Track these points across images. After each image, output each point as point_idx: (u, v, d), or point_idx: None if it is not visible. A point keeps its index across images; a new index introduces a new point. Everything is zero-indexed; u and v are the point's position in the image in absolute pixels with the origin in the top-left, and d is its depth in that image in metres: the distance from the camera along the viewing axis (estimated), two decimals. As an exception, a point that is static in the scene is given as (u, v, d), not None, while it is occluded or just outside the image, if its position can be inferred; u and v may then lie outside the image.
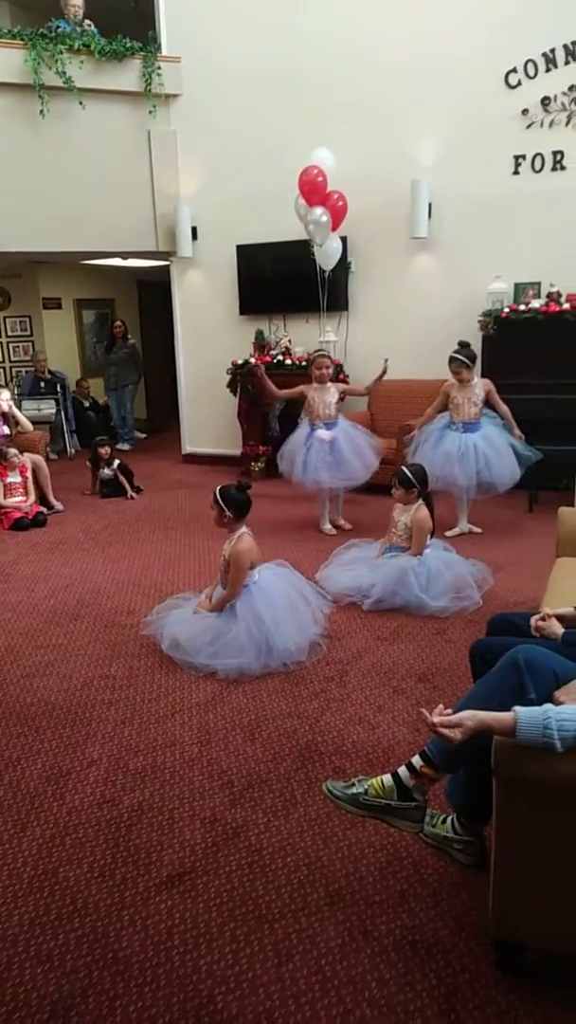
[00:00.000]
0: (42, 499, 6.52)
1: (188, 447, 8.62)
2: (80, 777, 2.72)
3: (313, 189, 6.43)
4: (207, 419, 8.32)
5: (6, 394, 6.87)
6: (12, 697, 3.33)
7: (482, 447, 5.14)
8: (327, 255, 6.69)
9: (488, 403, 5.30)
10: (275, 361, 7.34)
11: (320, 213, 6.42)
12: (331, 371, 5.51)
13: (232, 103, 7.41)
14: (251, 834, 2.38)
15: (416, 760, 2.01)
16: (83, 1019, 1.78)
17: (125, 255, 8.56)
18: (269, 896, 2.13)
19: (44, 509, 6.39)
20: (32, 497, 6.37)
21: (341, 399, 5.56)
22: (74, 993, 1.85)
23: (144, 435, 10.31)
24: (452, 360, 5.22)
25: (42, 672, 3.56)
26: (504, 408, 5.31)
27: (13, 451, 6.30)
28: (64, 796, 2.61)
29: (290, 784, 2.63)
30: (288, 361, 7.30)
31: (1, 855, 2.33)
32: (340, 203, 6.58)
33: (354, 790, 2.04)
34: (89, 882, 2.20)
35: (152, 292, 10.98)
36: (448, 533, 5.35)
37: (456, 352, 5.25)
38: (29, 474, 6.37)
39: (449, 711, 1.83)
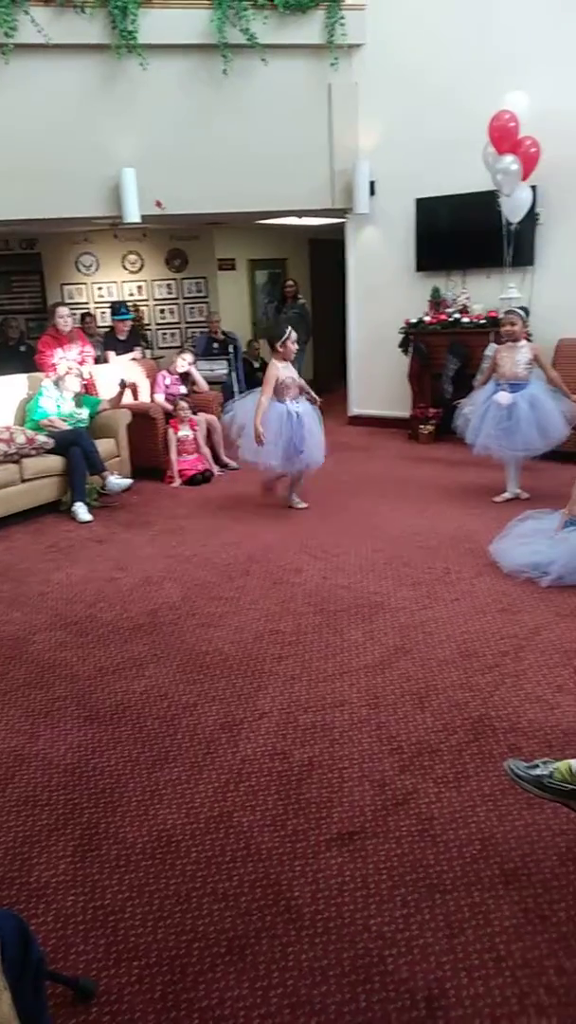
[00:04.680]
0: (215, 458, 6.72)
1: (355, 409, 8.55)
2: (252, 727, 2.79)
3: (504, 136, 6.06)
4: (376, 380, 8.19)
5: (189, 356, 7.11)
6: (189, 645, 3.48)
7: (524, 407, 5.04)
8: (515, 206, 6.30)
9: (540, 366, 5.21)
10: (451, 319, 7.08)
11: (510, 161, 6.05)
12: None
13: (419, 48, 7.08)
14: (421, 802, 2.35)
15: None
16: (257, 959, 1.84)
17: (300, 214, 8.53)
18: (440, 866, 2.09)
19: (217, 468, 6.61)
20: (203, 454, 6.60)
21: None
22: (248, 933, 1.92)
23: (311, 396, 10.32)
24: (507, 312, 5.31)
25: (216, 623, 3.69)
26: (554, 373, 5.21)
27: (184, 404, 6.54)
28: (238, 744, 2.70)
29: (462, 756, 2.56)
30: (465, 319, 7.01)
31: (180, 794, 2.45)
32: (532, 150, 6.16)
33: (538, 771, 1.95)
34: (262, 829, 2.27)
35: (324, 250, 10.90)
36: (496, 499, 5.33)
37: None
38: (200, 431, 6.58)
39: None
